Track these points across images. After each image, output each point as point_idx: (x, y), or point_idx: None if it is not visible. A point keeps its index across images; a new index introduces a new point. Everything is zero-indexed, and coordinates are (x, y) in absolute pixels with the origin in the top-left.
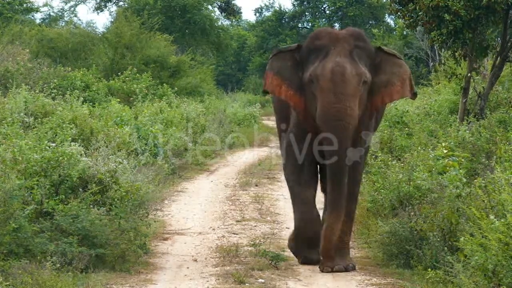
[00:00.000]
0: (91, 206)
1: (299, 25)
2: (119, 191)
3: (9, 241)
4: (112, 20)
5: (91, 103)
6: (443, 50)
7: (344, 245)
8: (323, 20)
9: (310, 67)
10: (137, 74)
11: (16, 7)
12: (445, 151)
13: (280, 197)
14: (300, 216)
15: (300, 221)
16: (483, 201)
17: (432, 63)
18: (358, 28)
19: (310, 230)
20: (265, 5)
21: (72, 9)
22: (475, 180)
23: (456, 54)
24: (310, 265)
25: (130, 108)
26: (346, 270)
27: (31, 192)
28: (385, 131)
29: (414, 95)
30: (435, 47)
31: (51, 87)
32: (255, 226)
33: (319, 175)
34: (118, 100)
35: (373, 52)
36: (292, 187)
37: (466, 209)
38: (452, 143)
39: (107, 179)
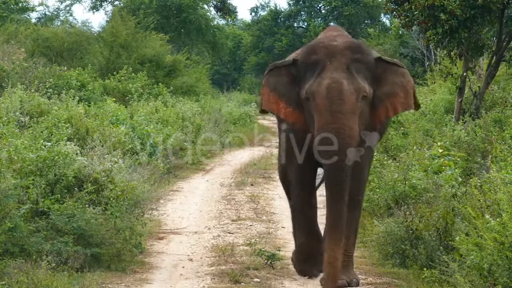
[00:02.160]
0: (87, 205)
1: (295, 24)
2: (115, 190)
3: (4, 241)
4: (108, 19)
5: (86, 103)
6: (438, 49)
7: (349, 258)
8: (319, 19)
9: (306, 84)
10: (133, 74)
11: (12, 6)
12: (440, 151)
13: (276, 196)
14: (302, 236)
15: (302, 241)
16: (479, 200)
17: (427, 63)
18: (353, 27)
19: (313, 249)
20: (261, 4)
21: (68, 8)
22: (471, 180)
23: (451, 53)
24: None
25: (126, 107)
26: (349, 285)
27: (26, 192)
28: None
29: (417, 107)
30: (430, 46)
31: (47, 86)
32: (250, 225)
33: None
34: (114, 99)
35: (373, 63)
36: (293, 207)
37: (461, 208)
38: (447, 142)
39: (103, 178)
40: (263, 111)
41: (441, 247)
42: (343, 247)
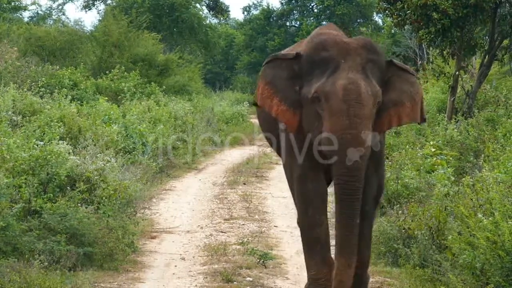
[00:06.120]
0: (79, 204)
1: (287, 23)
2: (107, 189)
3: None
4: (100, 18)
5: (79, 102)
6: (431, 48)
7: (361, 278)
8: (311, 18)
9: (314, 82)
10: (125, 73)
11: (4, 5)
12: (433, 150)
13: (268, 195)
14: (315, 266)
15: (315, 272)
16: (471, 199)
17: (420, 62)
18: (346, 26)
19: (328, 281)
20: (253, 3)
21: (60, 7)
22: (463, 179)
23: (444, 52)
24: None
25: (118, 106)
26: None
27: (19, 191)
28: None
29: (423, 121)
30: (423, 45)
31: (39, 85)
32: (243, 224)
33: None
34: (106, 98)
35: (384, 66)
36: (301, 227)
37: (454, 207)
38: (440, 141)
39: (95, 177)
40: (255, 105)
41: (434, 246)
42: (353, 268)
